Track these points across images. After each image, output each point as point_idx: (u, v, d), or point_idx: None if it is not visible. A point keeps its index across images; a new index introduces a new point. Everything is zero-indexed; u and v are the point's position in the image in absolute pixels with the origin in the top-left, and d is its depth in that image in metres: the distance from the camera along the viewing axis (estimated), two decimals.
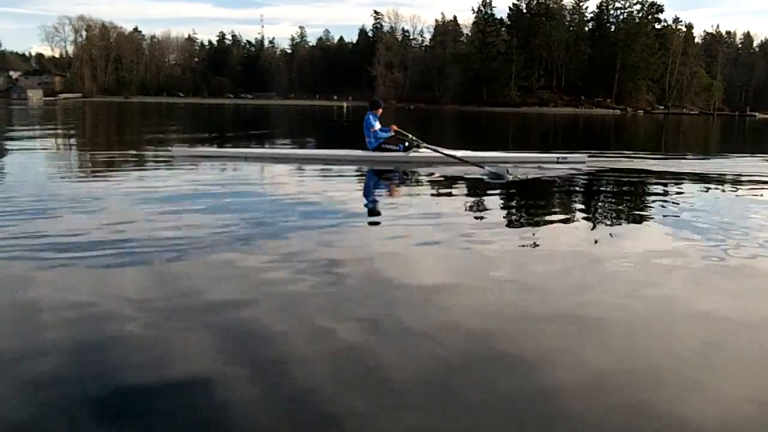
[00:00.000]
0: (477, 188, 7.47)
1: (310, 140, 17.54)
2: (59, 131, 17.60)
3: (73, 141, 13.85)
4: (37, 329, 2.69)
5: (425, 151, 9.41)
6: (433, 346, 2.57)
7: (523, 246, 4.46)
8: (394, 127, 9.63)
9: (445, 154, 9.16)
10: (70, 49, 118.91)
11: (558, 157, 10.08)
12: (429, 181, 8.06)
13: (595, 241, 4.68)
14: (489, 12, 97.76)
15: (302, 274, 3.50)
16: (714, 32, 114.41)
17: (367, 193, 7.27)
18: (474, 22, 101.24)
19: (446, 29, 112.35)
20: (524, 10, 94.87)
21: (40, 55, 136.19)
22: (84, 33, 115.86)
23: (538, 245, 4.50)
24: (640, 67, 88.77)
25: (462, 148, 10.12)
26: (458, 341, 2.65)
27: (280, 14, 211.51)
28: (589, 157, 10.41)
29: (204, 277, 3.45)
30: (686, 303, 3.25)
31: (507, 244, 4.49)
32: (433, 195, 6.99)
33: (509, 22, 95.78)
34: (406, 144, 9.48)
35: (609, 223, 5.57)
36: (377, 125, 9.67)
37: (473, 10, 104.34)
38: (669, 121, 51.12)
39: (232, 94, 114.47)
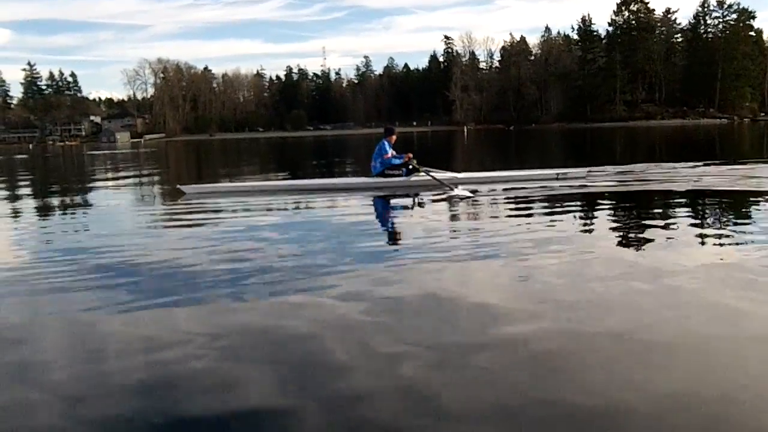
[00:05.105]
0: (503, 206, 7.42)
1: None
2: (154, 174, 18.60)
3: (161, 186, 14.33)
4: (104, 365, 2.78)
5: (424, 175, 9.66)
6: (498, 374, 2.54)
7: (576, 266, 4.29)
8: (410, 155, 9.93)
9: (434, 178, 9.41)
10: (150, 90, 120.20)
11: (557, 174, 10.21)
12: (444, 203, 7.94)
13: (652, 256, 4.53)
14: (589, 28, 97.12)
15: (357, 303, 3.53)
16: None
17: (387, 219, 7.36)
18: (575, 40, 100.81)
19: (515, 50, 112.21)
20: (623, 25, 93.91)
21: (110, 100, 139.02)
22: (162, 75, 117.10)
23: (591, 264, 4.37)
24: (741, 75, 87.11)
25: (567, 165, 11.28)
26: (524, 367, 2.60)
27: (327, 46, 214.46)
28: (588, 172, 10.53)
29: (263, 312, 3.51)
30: (752, 319, 3.11)
31: (558, 262, 4.36)
32: (453, 217, 7.02)
33: (607, 39, 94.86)
34: (410, 167, 9.80)
35: (666, 238, 5.25)
36: (391, 152, 9.99)
37: (572, 28, 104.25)
38: None
39: (311, 127, 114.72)
